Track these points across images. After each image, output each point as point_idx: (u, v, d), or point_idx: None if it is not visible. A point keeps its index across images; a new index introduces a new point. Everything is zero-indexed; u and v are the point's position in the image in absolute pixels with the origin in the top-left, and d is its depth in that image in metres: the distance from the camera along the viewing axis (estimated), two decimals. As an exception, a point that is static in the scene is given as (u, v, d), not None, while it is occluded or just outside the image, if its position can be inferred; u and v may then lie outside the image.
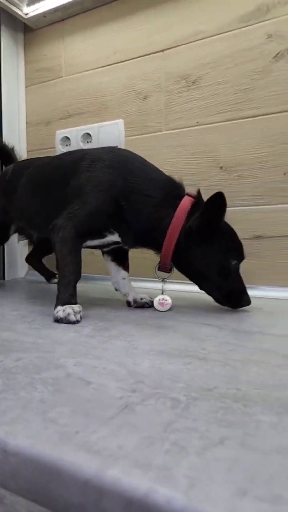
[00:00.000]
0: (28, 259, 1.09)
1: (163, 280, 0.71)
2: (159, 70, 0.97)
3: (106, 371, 0.38)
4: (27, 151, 1.19)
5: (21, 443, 0.25)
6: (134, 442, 0.25)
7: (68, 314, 0.58)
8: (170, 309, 0.70)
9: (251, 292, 0.86)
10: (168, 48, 0.96)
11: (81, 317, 0.60)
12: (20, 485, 0.25)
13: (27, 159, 0.95)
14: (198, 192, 0.69)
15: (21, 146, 1.17)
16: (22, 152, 1.17)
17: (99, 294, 0.87)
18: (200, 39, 0.91)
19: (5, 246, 1.13)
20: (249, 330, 0.56)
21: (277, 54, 0.83)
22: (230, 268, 0.66)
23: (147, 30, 0.98)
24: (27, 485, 0.24)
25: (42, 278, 1.09)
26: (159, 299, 0.70)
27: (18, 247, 1.16)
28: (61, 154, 0.82)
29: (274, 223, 0.86)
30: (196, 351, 0.46)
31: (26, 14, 1.08)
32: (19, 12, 1.06)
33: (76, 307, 0.61)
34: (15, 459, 0.25)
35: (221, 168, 0.91)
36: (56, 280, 1.03)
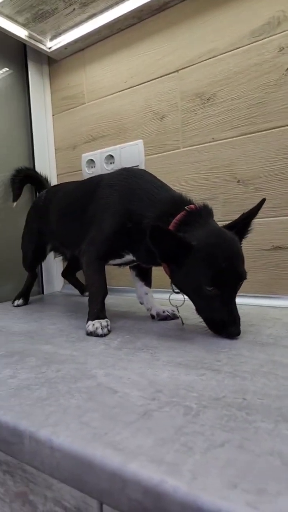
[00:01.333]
0: (64, 274, 1.19)
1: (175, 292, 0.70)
2: (175, 90, 1.03)
3: (130, 381, 0.45)
4: (57, 175, 1.29)
5: (63, 441, 0.32)
6: (150, 442, 0.31)
7: (97, 328, 0.66)
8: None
9: (271, 302, 0.91)
10: (182, 68, 1.01)
11: (109, 330, 0.68)
12: (64, 474, 0.32)
13: (58, 185, 1.05)
14: (198, 206, 0.65)
15: (51, 170, 1.27)
16: (52, 175, 1.27)
17: (127, 307, 0.94)
18: (213, 57, 0.96)
19: (43, 263, 1.23)
20: (264, 342, 0.60)
21: (288, 67, 0.86)
22: (206, 294, 0.59)
23: (160, 53, 1.04)
24: (69, 474, 0.31)
25: (76, 291, 1.19)
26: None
27: (54, 264, 1.27)
28: (84, 180, 0.89)
29: (292, 232, 0.88)
30: (211, 363, 0.51)
31: (50, 48, 1.18)
32: (43, 47, 1.16)
33: (104, 322, 0.68)
34: (59, 454, 0.32)
35: (238, 181, 0.95)
36: (87, 293, 1.12)
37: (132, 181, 0.72)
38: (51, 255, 1.11)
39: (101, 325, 0.67)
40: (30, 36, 1.11)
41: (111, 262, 0.77)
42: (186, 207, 0.63)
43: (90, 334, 0.66)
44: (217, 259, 0.58)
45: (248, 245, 0.93)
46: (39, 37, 1.13)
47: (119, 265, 0.80)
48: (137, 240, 0.69)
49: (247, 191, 0.93)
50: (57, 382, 0.45)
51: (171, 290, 0.71)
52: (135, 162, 1.09)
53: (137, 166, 1.09)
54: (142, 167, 1.09)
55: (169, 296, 0.73)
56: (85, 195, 0.80)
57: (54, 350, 0.58)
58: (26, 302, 1.03)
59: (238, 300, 0.93)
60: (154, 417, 0.36)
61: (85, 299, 1.08)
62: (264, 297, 0.91)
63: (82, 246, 0.74)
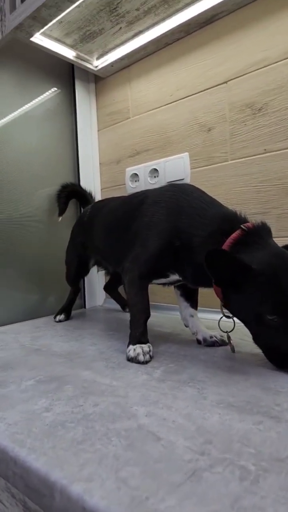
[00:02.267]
0: (106, 288, 1.18)
1: (226, 316, 0.66)
2: (223, 101, 0.98)
3: (175, 426, 0.40)
4: (101, 189, 1.29)
5: (97, 504, 0.28)
6: (200, 518, 0.26)
7: (138, 354, 0.61)
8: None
9: None
10: (231, 79, 0.96)
11: (151, 357, 0.63)
12: None
13: (103, 200, 1.03)
14: (256, 224, 0.59)
15: (95, 184, 1.27)
16: (96, 190, 1.28)
17: (171, 327, 0.89)
18: (264, 66, 0.90)
19: (86, 278, 1.23)
20: None
21: None
22: (267, 323, 0.54)
23: (208, 65, 1.00)
24: None
25: (118, 306, 1.16)
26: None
27: (97, 277, 1.26)
28: (129, 196, 0.87)
29: None
30: (268, 406, 0.44)
31: (96, 66, 1.19)
32: (90, 66, 1.18)
33: (146, 347, 0.63)
34: (93, 520, 0.28)
35: (292, 194, 0.87)
36: (126, 310, 1.09)
37: (180, 197, 0.68)
38: (94, 269, 1.10)
39: (142, 351, 0.62)
40: (77, 57, 1.13)
41: (155, 281, 0.73)
42: (242, 226, 0.58)
43: (130, 360, 0.62)
44: (281, 285, 0.52)
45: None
46: (86, 56, 1.15)
47: (164, 284, 0.76)
48: (184, 260, 0.65)
49: (303, 206, 0.85)
50: (94, 420, 0.41)
51: (219, 312, 0.65)
52: (180, 175, 1.06)
53: (182, 179, 1.05)
54: (188, 180, 1.05)
55: (219, 320, 0.67)
56: (129, 211, 0.77)
57: (93, 378, 0.55)
58: (67, 317, 1.02)
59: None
60: (204, 480, 0.30)
61: (127, 315, 1.05)
62: None
63: (125, 263, 0.71)
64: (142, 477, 0.31)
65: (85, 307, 1.23)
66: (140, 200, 0.76)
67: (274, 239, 0.61)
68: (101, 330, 0.88)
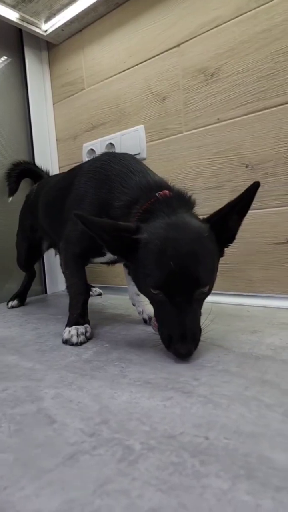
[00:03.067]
0: None
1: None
2: (176, 67, 0.92)
3: (78, 407, 0.38)
4: (59, 167, 1.23)
5: None
6: (52, 507, 0.24)
7: (72, 336, 0.59)
8: None
9: (283, 303, 0.78)
10: (183, 42, 0.90)
11: (87, 338, 0.61)
12: None
13: (48, 177, 0.98)
14: (171, 193, 0.55)
15: (52, 162, 1.22)
16: (54, 167, 1.22)
17: (124, 309, 0.87)
18: (215, 27, 0.84)
19: (45, 262, 1.19)
20: (260, 355, 0.50)
21: (303, 29, 0.73)
22: (154, 299, 0.50)
23: (160, 26, 0.93)
24: None
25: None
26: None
27: (57, 261, 1.22)
28: (68, 170, 0.81)
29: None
30: (186, 382, 0.42)
31: (46, 31, 1.11)
32: (38, 31, 1.10)
33: (82, 328, 0.61)
34: None
35: (246, 166, 0.83)
36: (91, 293, 1.05)
37: (108, 167, 0.63)
38: (52, 252, 1.06)
39: (77, 332, 0.60)
40: (22, 19, 1.05)
41: (96, 260, 0.69)
42: (156, 194, 0.54)
43: (65, 342, 0.60)
44: (164, 256, 0.46)
45: (258, 239, 0.82)
46: (32, 19, 1.07)
47: (108, 263, 0.73)
48: None
49: (257, 177, 0.81)
50: (-6, 404, 0.39)
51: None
52: (136, 149, 1.01)
53: (138, 153, 1.00)
54: (144, 154, 1.00)
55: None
56: (64, 187, 0.73)
57: (17, 362, 0.52)
58: (22, 303, 0.98)
59: (246, 300, 0.83)
60: (80, 464, 0.28)
61: (92, 299, 1.03)
62: (275, 298, 0.80)
63: (60, 243, 0.68)
64: (12, 465, 0.28)
65: (46, 292, 1.19)
66: (74, 173, 0.71)
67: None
68: (50, 315, 0.85)
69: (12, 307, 0.96)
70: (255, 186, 0.51)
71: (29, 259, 0.99)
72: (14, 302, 0.96)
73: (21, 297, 0.99)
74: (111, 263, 0.72)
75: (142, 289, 0.53)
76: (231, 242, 0.56)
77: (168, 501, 0.24)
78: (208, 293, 0.51)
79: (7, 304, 0.97)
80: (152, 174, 0.62)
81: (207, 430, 0.32)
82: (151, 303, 0.53)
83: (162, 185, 0.57)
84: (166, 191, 0.54)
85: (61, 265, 0.68)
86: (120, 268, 0.92)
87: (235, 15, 0.81)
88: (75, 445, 0.31)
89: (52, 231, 0.81)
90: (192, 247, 0.47)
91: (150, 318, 0.70)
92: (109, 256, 0.66)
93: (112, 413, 0.36)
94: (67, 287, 0.66)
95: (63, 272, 0.67)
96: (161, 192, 0.54)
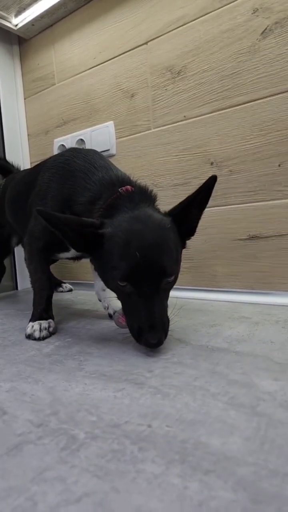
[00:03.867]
0: None
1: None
2: (144, 64, 0.93)
3: (31, 399, 0.38)
4: (31, 162, 1.22)
5: None
6: (-11, 494, 0.25)
7: (34, 330, 0.59)
8: None
9: (246, 298, 0.81)
10: (151, 40, 0.91)
11: (50, 333, 0.61)
12: None
13: (15, 173, 0.97)
14: (133, 188, 0.56)
15: (24, 157, 1.20)
16: (25, 163, 1.21)
17: (92, 304, 0.87)
18: (181, 26, 0.86)
19: (16, 257, 1.18)
20: (215, 347, 0.52)
21: (265, 29, 0.75)
22: (121, 291, 0.50)
23: (129, 23, 0.94)
24: None
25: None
26: (120, 314, 0.61)
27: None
28: (35, 166, 0.80)
29: (271, 220, 0.78)
30: (139, 374, 0.44)
31: (16, 25, 1.09)
32: (9, 25, 1.08)
33: (45, 323, 0.61)
34: None
35: (211, 164, 0.85)
36: (61, 289, 1.05)
37: (72, 162, 0.63)
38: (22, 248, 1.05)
39: (40, 327, 0.60)
40: (-9, 13, 1.03)
41: (61, 256, 0.69)
42: (119, 189, 0.55)
43: (28, 337, 0.60)
44: (130, 248, 0.47)
45: (223, 235, 0.85)
46: (2, 13, 1.05)
47: (73, 259, 0.73)
48: None
49: (221, 174, 0.83)
50: None
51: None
52: (106, 146, 1.01)
53: (108, 150, 1.00)
54: (114, 151, 1.00)
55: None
56: (29, 182, 0.72)
57: (-24, 357, 0.52)
58: None
59: (211, 295, 0.85)
60: (23, 453, 0.29)
61: (57, 295, 1.03)
62: (238, 292, 0.83)
63: (24, 238, 0.68)
64: None
65: (17, 288, 1.18)
66: (39, 168, 0.71)
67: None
68: (18, 311, 0.85)
69: None
70: (212, 180, 0.52)
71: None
72: None
73: None
74: (76, 258, 0.72)
75: (109, 283, 0.53)
76: (192, 235, 0.58)
77: (103, 485, 0.25)
78: (173, 283, 0.52)
79: None
80: (115, 170, 0.62)
81: (151, 419, 0.33)
82: (118, 297, 0.54)
83: (124, 180, 0.58)
84: (129, 187, 0.55)
85: (25, 260, 0.68)
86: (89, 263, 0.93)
87: (200, 14, 0.83)
88: (21, 436, 0.31)
89: (18, 226, 0.80)
90: (156, 238, 0.48)
91: (115, 313, 0.71)
92: (73, 252, 0.66)
93: (63, 405, 0.37)
94: (31, 282, 0.67)
95: (27, 267, 0.67)
96: (123, 188, 0.55)
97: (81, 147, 1.07)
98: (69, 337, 0.60)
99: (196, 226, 0.57)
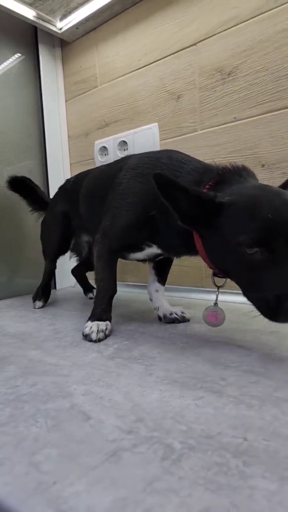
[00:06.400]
0: (73, 272, 1.09)
1: (218, 288, 0.60)
2: (192, 65, 0.92)
3: (110, 404, 0.38)
4: (70, 164, 1.23)
5: None
6: (106, 503, 0.24)
7: (92, 332, 0.59)
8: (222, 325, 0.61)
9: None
10: (200, 41, 0.90)
11: (106, 335, 0.61)
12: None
13: (87, 170, 0.93)
14: (235, 166, 0.53)
15: (64, 159, 1.21)
16: (65, 165, 1.22)
17: (140, 305, 0.87)
18: (234, 26, 0.84)
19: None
20: (284, 356, 0.50)
21: None
22: (250, 261, 0.44)
23: (177, 25, 0.93)
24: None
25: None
26: (210, 311, 0.60)
27: (67, 257, 1.20)
28: (110, 163, 0.79)
29: None
30: (213, 381, 0.42)
31: (60, 29, 1.11)
32: (53, 28, 1.10)
33: (103, 325, 0.61)
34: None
35: (263, 166, 0.83)
36: (90, 295, 1.03)
37: (157, 163, 0.61)
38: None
39: (98, 329, 0.60)
40: (38, 17, 1.04)
41: (132, 256, 0.68)
42: (219, 171, 0.52)
43: (85, 337, 0.60)
44: (261, 209, 0.43)
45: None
46: (48, 17, 1.06)
47: (143, 260, 0.71)
48: (163, 228, 0.59)
49: (273, 176, 0.81)
50: (26, 400, 0.39)
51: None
52: (149, 147, 1.00)
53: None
54: (157, 153, 1.00)
55: (216, 296, 0.60)
56: (108, 178, 0.71)
57: (40, 358, 0.52)
58: (46, 302, 0.92)
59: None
60: (124, 461, 0.28)
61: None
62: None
63: (96, 235, 0.67)
64: (57, 460, 0.29)
65: (55, 288, 1.19)
66: (119, 166, 0.69)
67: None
68: (64, 310, 0.85)
69: (40, 307, 0.89)
70: None
71: (60, 248, 0.92)
72: (40, 303, 0.90)
73: (46, 295, 0.93)
74: (148, 260, 0.71)
75: (229, 257, 0.47)
76: None
77: (219, 500, 0.24)
78: None
79: (34, 305, 0.89)
80: (201, 161, 0.61)
81: (244, 431, 0.32)
82: (238, 273, 0.48)
83: (221, 165, 0.55)
84: (228, 167, 0.53)
85: (94, 257, 0.67)
86: (128, 265, 0.92)
87: (254, 14, 0.81)
88: (115, 442, 0.31)
89: (89, 221, 0.78)
90: (286, 200, 0.44)
91: (164, 316, 0.70)
92: (147, 252, 0.65)
93: (146, 411, 0.36)
94: (96, 280, 0.66)
95: (95, 265, 0.66)
96: (225, 168, 0.53)
97: (123, 149, 1.07)
98: (125, 340, 0.60)
99: None
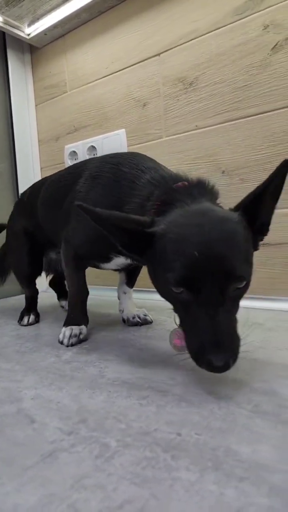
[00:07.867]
0: (51, 284, 1.00)
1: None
2: (156, 74, 0.95)
3: (58, 407, 0.39)
4: (41, 168, 1.23)
5: None
6: (32, 501, 0.25)
7: (64, 337, 0.61)
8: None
9: (257, 304, 0.82)
10: (164, 51, 0.93)
11: (81, 339, 0.62)
12: None
13: (43, 178, 0.92)
14: (190, 183, 0.50)
15: (34, 164, 1.21)
16: (36, 169, 1.22)
17: (111, 309, 0.87)
18: (194, 39, 0.87)
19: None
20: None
21: (275, 45, 0.77)
22: (177, 300, 0.41)
23: (141, 35, 0.96)
24: None
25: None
26: (176, 333, 0.51)
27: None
28: (68, 168, 0.77)
29: (281, 228, 0.79)
30: (162, 381, 0.44)
31: (28, 34, 1.11)
32: (22, 34, 1.10)
33: (76, 329, 0.62)
34: None
35: (223, 172, 0.86)
36: (63, 303, 0.99)
37: (117, 170, 0.58)
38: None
39: (71, 334, 0.61)
40: (5, 22, 1.05)
41: (102, 266, 0.66)
42: (173, 186, 0.49)
43: (60, 342, 0.61)
44: (186, 244, 0.39)
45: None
46: (15, 22, 1.07)
47: (116, 270, 0.70)
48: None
49: (232, 182, 0.85)
50: (-26, 406, 0.40)
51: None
52: (116, 154, 1.02)
53: (119, 158, 1.01)
54: (124, 159, 1.02)
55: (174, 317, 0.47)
56: (67, 185, 0.68)
57: (-4, 363, 0.53)
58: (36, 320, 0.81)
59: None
60: (59, 460, 0.30)
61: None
62: (250, 298, 0.83)
63: (62, 243, 0.66)
64: (-6, 463, 0.30)
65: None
66: (79, 172, 0.67)
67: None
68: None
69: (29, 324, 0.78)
70: (284, 165, 0.42)
71: (32, 270, 0.83)
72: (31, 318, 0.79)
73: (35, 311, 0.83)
74: (120, 270, 0.70)
75: (162, 292, 0.45)
76: (265, 234, 0.47)
77: (141, 492, 0.26)
78: (244, 291, 0.42)
79: (20, 322, 0.78)
80: (167, 170, 0.59)
81: (180, 427, 0.34)
82: (175, 310, 0.44)
83: (178, 177, 0.52)
84: (185, 182, 0.49)
85: (62, 263, 0.67)
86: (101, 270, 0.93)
87: (212, 29, 0.84)
88: (54, 443, 0.32)
89: (52, 233, 0.75)
90: (221, 232, 0.39)
91: (128, 319, 0.72)
92: (115, 262, 0.62)
93: (90, 413, 0.37)
94: (67, 286, 0.67)
95: (65, 272, 0.67)
96: (179, 183, 0.49)
97: (92, 154, 1.08)
98: (86, 344, 0.61)
99: (269, 222, 0.47)
